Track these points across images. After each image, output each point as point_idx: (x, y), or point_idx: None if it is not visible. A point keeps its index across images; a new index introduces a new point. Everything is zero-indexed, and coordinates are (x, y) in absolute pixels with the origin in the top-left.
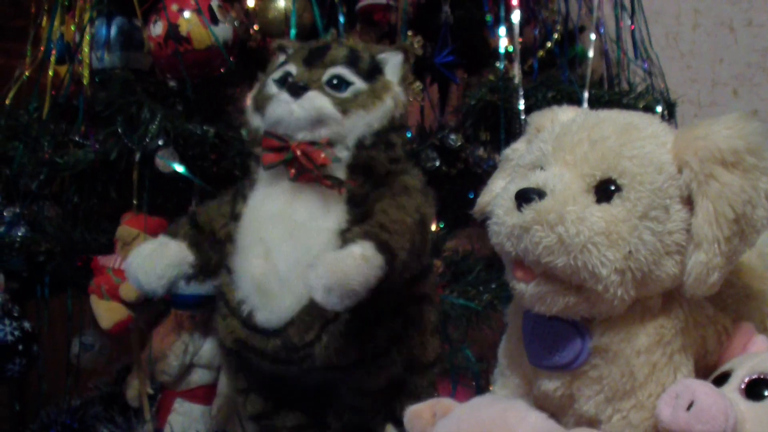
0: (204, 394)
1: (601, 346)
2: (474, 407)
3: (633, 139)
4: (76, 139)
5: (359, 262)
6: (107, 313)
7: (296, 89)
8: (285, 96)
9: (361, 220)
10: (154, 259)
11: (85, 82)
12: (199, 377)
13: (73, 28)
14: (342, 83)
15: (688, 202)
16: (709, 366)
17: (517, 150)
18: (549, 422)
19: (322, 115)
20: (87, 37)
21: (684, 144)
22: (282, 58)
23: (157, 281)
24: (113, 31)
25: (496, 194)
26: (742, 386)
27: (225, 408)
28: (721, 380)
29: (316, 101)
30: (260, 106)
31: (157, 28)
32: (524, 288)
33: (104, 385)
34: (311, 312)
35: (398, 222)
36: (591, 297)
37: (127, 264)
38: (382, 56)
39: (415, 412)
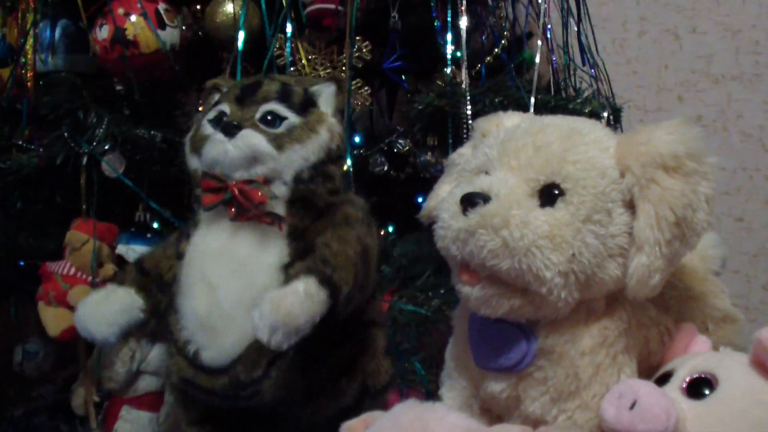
0: (152, 401)
1: (546, 347)
2: (394, 413)
3: (576, 144)
4: (20, 143)
5: (302, 299)
6: (55, 320)
7: (230, 128)
8: (219, 136)
9: (302, 253)
10: (103, 307)
11: (28, 84)
12: (146, 384)
13: (16, 30)
14: (275, 119)
15: (630, 205)
16: (653, 366)
17: (463, 155)
18: (468, 421)
19: (257, 153)
20: (31, 40)
21: (626, 149)
22: (216, 97)
23: (108, 329)
24: (58, 33)
25: (443, 199)
26: (684, 385)
27: (172, 415)
28: (663, 380)
29: (251, 139)
30: (197, 147)
31: (104, 32)
32: (470, 291)
33: (49, 394)
34: (258, 348)
35: (340, 255)
36: (536, 300)
37: (77, 315)
38: (314, 89)
39: (349, 428)
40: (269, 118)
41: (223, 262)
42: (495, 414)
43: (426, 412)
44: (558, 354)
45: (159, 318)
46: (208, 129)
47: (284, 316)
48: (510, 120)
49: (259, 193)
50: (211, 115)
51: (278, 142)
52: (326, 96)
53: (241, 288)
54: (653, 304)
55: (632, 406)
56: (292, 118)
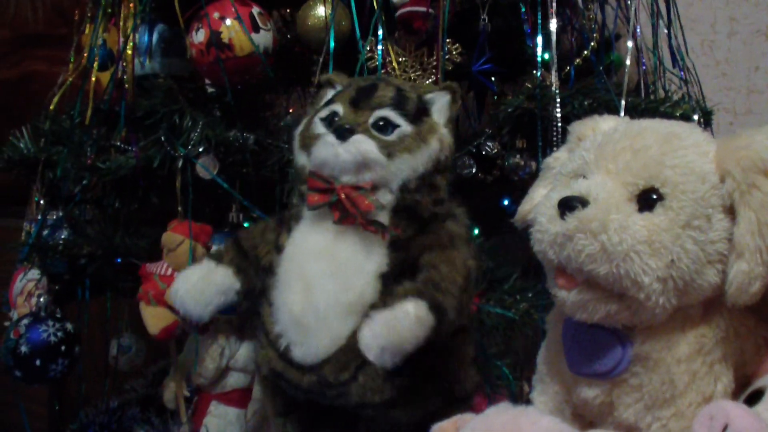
0: (239, 398)
1: (641, 354)
2: (487, 415)
3: (675, 148)
4: (118, 144)
5: (414, 324)
6: (154, 319)
7: (343, 132)
8: (331, 138)
9: (403, 264)
10: (202, 286)
11: (128, 88)
12: (234, 380)
13: (116, 35)
14: (388, 125)
15: (730, 211)
16: (747, 376)
17: (559, 158)
18: (561, 425)
19: (368, 160)
20: (130, 44)
21: (726, 154)
22: (330, 93)
23: (204, 308)
24: (155, 38)
25: (538, 202)
26: None
27: (260, 411)
28: (755, 397)
29: (362, 146)
30: (306, 144)
31: (199, 36)
32: (566, 296)
33: (141, 387)
34: (348, 352)
35: (449, 280)
36: (632, 305)
37: (174, 290)
38: (429, 96)
39: (441, 429)
40: (381, 124)
41: (323, 263)
42: (587, 420)
43: (519, 415)
44: (654, 361)
45: (251, 301)
46: (319, 128)
47: (396, 339)
48: (606, 123)
49: (366, 202)
50: (324, 113)
51: (389, 150)
52: (440, 105)
53: (337, 291)
54: (752, 312)
55: (724, 429)
56: (405, 126)
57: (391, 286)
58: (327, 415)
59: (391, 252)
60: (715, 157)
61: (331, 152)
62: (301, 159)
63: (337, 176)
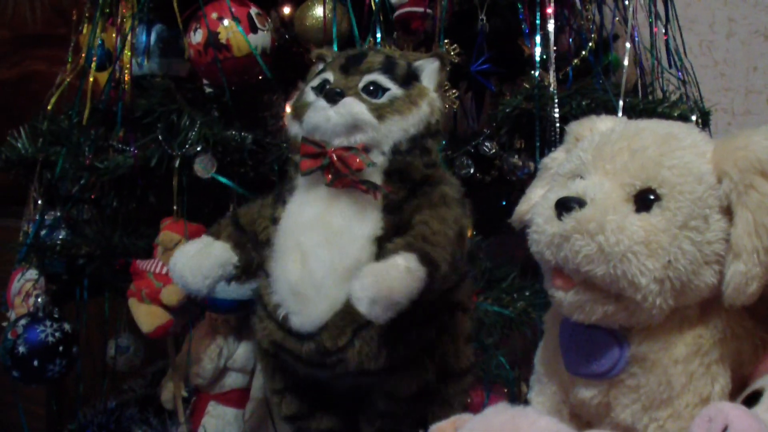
0: (237, 398)
1: (638, 354)
2: (485, 416)
3: (673, 149)
4: (116, 144)
5: (403, 275)
6: (147, 317)
7: (333, 96)
8: (322, 103)
9: (396, 227)
10: (200, 259)
11: (126, 88)
12: (232, 380)
13: (114, 35)
14: (378, 89)
15: (728, 212)
16: (745, 377)
17: (556, 159)
18: (559, 426)
19: (359, 121)
20: (128, 45)
21: (723, 154)
22: (321, 66)
23: (202, 281)
24: (153, 38)
25: (535, 203)
26: None
27: (258, 411)
28: (753, 399)
29: (353, 107)
30: (299, 113)
31: (197, 36)
32: (563, 296)
33: (139, 387)
34: (344, 317)
35: (440, 234)
36: (630, 306)
37: (173, 263)
38: (418, 63)
39: (439, 429)
40: (372, 88)
41: (318, 231)
42: (584, 420)
43: (517, 415)
44: (651, 361)
45: (249, 276)
46: (310, 96)
47: (385, 290)
48: (604, 124)
49: (357, 160)
50: (315, 82)
51: (379, 112)
52: (429, 71)
53: (333, 257)
54: (749, 314)
55: (724, 431)
56: (395, 89)
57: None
58: (325, 395)
59: (386, 215)
60: (712, 158)
61: (323, 116)
62: (293, 128)
63: (329, 140)
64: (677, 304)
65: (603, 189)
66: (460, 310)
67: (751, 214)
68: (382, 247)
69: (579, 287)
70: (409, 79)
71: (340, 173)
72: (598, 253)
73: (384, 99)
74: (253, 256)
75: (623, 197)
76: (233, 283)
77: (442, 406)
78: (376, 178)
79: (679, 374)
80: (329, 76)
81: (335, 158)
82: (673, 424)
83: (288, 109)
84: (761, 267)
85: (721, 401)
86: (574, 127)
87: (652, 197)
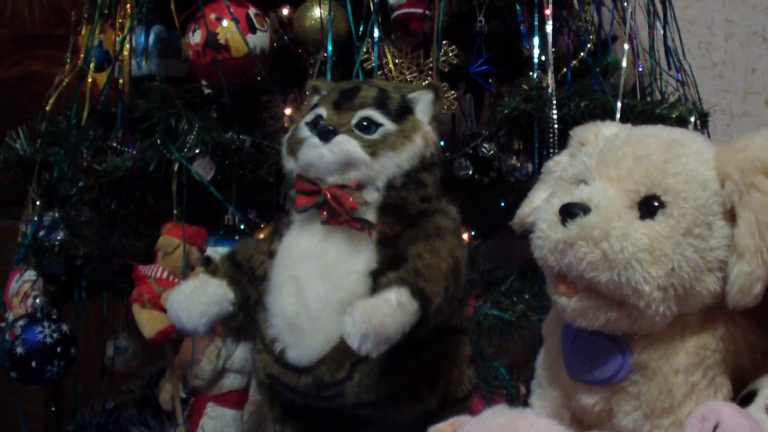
0: (236, 399)
1: (640, 362)
2: (484, 418)
3: (677, 156)
4: (115, 145)
5: (395, 310)
6: (149, 322)
7: (326, 133)
8: (315, 140)
9: (391, 260)
10: (195, 297)
11: (125, 89)
12: (231, 382)
13: (112, 36)
14: (371, 125)
15: (731, 218)
16: (745, 381)
17: (560, 162)
18: (559, 428)
19: (352, 159)
20: (127, 45)
21: (725, 158)
22: (316, 99)
23: (198, 319)
24: (152, 39)
25: (538, 207)
26: None
27: (256, 413)
28: (747, 399)
29: (345, 145)
30: (293, 149)
31: (196, 37)
32: (566, 302)
33: (137, 388)
34: (342, 351)
35: (433, 268)
36: (633, 313)
37: (169, 303)
38: (412, 96)
39: (437, 431)
40: (365, 124)
41: (313, 264)
42: (586, 424)
43: (516, 417)
44: (652, 369)
45: (248, 312)
46: (304, 132)
47: (376, 325)
48: (608, 129)
49: (351, 199)
50: (309, 117)
51: (372, 149)
52: (423, 103)
53: (328, 291)
54: (754, 323)
55: (715, 429)
56: (388, 125)
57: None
58: (325, 421)
59: (380, 249)
60: (715, 163)
61: (316, 153)
62: (289, 164)
63: (323, 177)
64: (680, 311)
65: (607, 195)
66: (459, 334)
67: (753, 214)
68: (377, 281)
69: (582, 293)
70: (403, 112)
71: (335, 212)
72: (603, 260)
73: (377, 135)
74: (250, 292)
75: (627, 204)
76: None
77: None
78: (371, 214)
79: (680, 384)
80: (322, 111)
81: (329, 197)
82: None
83: (288, 111)
84: (765, 268)
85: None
86: (579, 132)
87: (656, 204)
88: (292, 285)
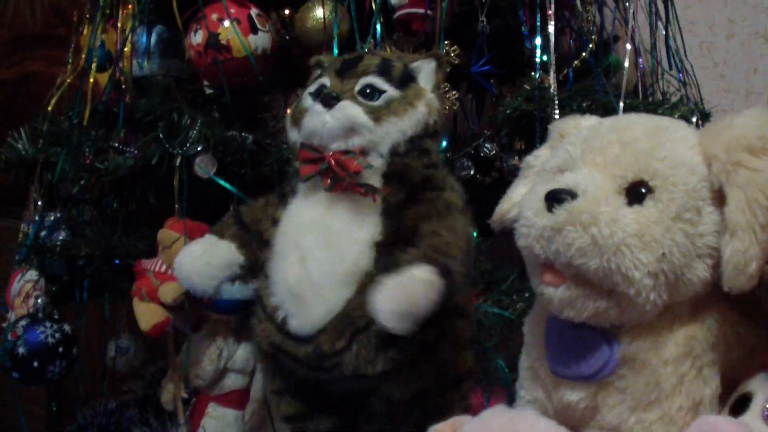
0: (237, 399)
1: (628, 354)
2: (484, 417)
3: (664, 141)
4: (116, 145)
5: (425, 287)
6: (145, 315)
7: (329, 100)
8: (318, 107)
9: (396, 231)
10: (206, 260)
11: (127, 88)
12: (232, 382)
13: (114, 36)
14: (374, 92)
15: (720, 203)
16: (735, 380)
17: (539, 156)
18: (559, 428)
19: (355, 124)
20: (129, 45)
21: (709, 138)
22: (318, 72)
23: (208, 282)
24: (154, 39)
25: (520, 200)
26: (765, 413)
27: (258, 413)
28: (741, 403)
29: (348, 110)
30: (297, 119)
31: (198, 37)
32: (553, 292)
33: (139, 388)
34: (342, 321)
35: (453, 245)
36: (622, 302)
37: (179, 264)
38: (415, 64)
39: (436, 431)
40: (368, 91)
41: (317, 234)
42: (569, 425)
43: (516, 417)
44: (640, 362)
45: (254, 276)
46: (308, 101)
47: (408, 302)
48: (588, 121)
49: (355, 163)
50: (312, 88)
51: (376, 115)
52: (426, 72)
53: (331, 260)
54: (744, 318)
55: None
56: (391, 91)
57: (387, 254)
58: (324, 396)
59: (385, 220)
60: (700, 143)
61: (319, 120)
62: (292, 135)
63: (327, 144)
64: (670, 299)
65: (594, 181)
66: (459, 315)
67: (742, 191)
68: (380, 252)
69: (570, 282)
70: (406, 80)
71: (339, 177)
72: (592, 245)
73: (380, 101)
74: (258, 255)
75: (615, 189)
76: (237, 282)
77: (442, 410)
78: (375, 180)
79: (669, 375)
80: (325, 80)
81: (333, 162)
82: (663, 428)
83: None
84: (758, 246)
85: (712, 413)
86: (559, 125)
87: (644, 190)
88: (296, 254)
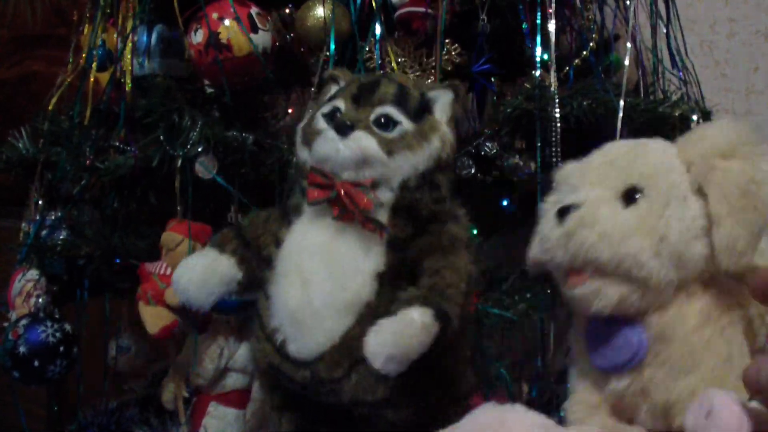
0: (238, 398)
1: (657, 333)
2: (475, 414)
3: (645, 152)
4: (117, 144)
5: (420, 332)
6: (153, 318)
7: (343, 128)
8: (332, 134)
9: (400, 265)
10: (205, 276)
11: (127, 88)
12: (233, 381)
13: (114, 35)
14: (389, 122)
15: (702, 194)
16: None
17: (550, 201)
18: (548, 421)
19: (368, 156)
20: (129, 45)
21: (686, 147)
22: (333, 89)
23: (206, 298)
24: (154, 38)
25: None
26: None
27: (259, 412)
28: None
29: (363, 142)
30: (308, 140)
31: (198, 36)
32: (580, 290)
33: (140, 388)
34: (342, 350)
35: (453, 287)
36: (640, 285)
37: (177, 277)
38: (432, 94)
39: None
40: (383, 121)
41: (321, 260)
42: (626, 417)
43: (506, 412)
44: (669, 337)
45: (252, 291)
46: (321, 123)
47: (402, 347)
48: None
49: (366, 199)
50: (326, 109)
51: (389, 148)
52: (443, 103)
53: (334, 289)
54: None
55: (708, 415)
56: (406, 123)
57: (390, 288)
58: (323, 413)
59: (389, 251)
60: (679, 153)
61: (332, 148)
62: (302, 154)
63: (338, 172)
64: (680, 276)
65: (593, 194)
66: (458, 335)
67: (719, 186)
68: (383, 284)
69: (592, 277)
70: (422, 111)
71: (347, 209)
72: (600, 239)
73: (395, 133)
74: (257, 272)
75: (612, 196)
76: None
77: (444, 426)
78: (383, 214)
79: (696, 342)
80: (341, 104)
81: (343, 193)
82: (704, 386)
83: (290, 111)
84: (741, 226)
85: (742, 363)
86: (561, 173)
87: (636, 195)
88: (298, 277)
